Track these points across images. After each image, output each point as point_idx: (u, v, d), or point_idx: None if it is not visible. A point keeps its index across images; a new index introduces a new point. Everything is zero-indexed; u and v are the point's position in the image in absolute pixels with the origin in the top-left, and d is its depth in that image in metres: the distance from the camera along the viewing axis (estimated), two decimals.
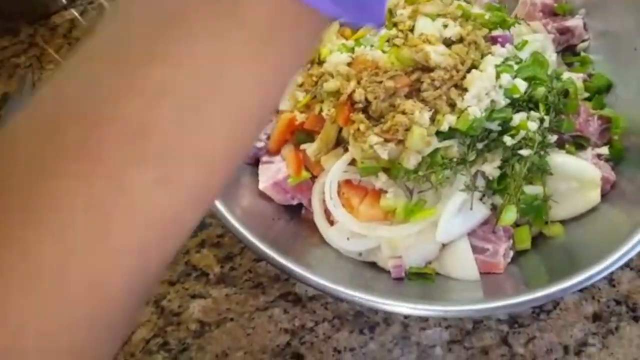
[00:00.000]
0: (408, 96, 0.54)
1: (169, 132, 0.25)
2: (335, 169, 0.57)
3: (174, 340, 0.69)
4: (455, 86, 0.53)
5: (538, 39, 0.60)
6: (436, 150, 0.53)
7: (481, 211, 0.56)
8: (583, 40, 0.65)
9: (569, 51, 0.66)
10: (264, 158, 0.64)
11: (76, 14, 0.93)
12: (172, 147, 0.25)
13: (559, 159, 0.57)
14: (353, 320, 0.67)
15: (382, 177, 0.56)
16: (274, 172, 0.62)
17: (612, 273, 0.63)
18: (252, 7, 0.25)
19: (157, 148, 0.25)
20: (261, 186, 0.62)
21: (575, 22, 0.64)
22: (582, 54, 0.66)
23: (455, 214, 0.55)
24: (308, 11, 0.26)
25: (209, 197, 0.29)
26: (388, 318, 0.67)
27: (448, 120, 0.52)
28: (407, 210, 0.55)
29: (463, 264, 0.56)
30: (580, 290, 0.64)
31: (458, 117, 0.52)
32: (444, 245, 0.57)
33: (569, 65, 0.65)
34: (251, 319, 0.68)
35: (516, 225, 0.58)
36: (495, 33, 0.57)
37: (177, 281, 0.72)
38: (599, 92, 0.62)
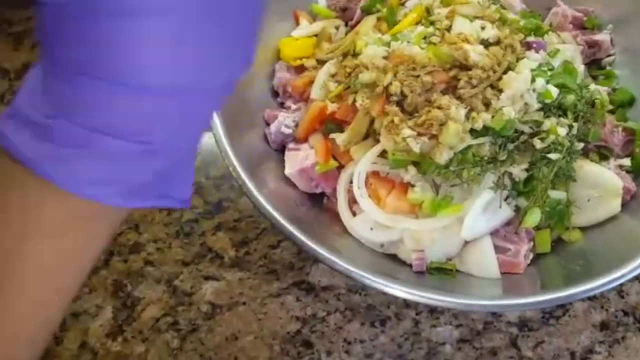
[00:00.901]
0: (444, 92, 0.55)
1: None
2: (366, 159, 0.58)
3: (184, 320, 0.68)
4: (491, 86, 0.54)
5: (569, 49, 0.61)
6: (468, 147, 0.54)
7: (506, 212, 0.57)
8: (609, 55, 0.67)
9: (594, 64, 0.68)
10: (291, 145, 0.64)
11: None
12: None
13: (584, 167, 0.58)
14: (365, 313, 0.67)
15: (412, 170, 0.56)
16: (302, 159, 0.62)
17: (621, 284, 0.65)
18: (44, 208, 0.27)
19: None
20: (287, 172, 0.62)
21: (602, 36, 0.66)
22: (608, 68, 0.67)
23: (481, 212, 0.56)
24: (100, 206, 0.28)
25: None
26: (399, 313, 0.67)
27: (483, 119, 0.53)
28: (434, 205, 0.56)
29: (485, 261, 0.57)
30: (590, 299, 0.66)
31: (492, 117, 0.53)
32: (466, 243, 0.58)
33: (594, 78, 0.67)
34: (263, 305, 0.68)
35: (537, 228, 0.59)
36: (530, 39, 0.58)
37: (192, 262, 0.71)
38: (622, 105, 0.64)
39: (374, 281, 0.52)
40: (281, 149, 0.66)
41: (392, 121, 0.56)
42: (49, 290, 0.30)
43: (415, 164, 0.56)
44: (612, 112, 0.64)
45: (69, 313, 0.67)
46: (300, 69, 0.68)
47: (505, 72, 0.55)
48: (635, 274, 0.52)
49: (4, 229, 0.28)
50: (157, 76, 0.26)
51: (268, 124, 0.66)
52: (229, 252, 0.70)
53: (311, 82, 0.65)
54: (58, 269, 0.30)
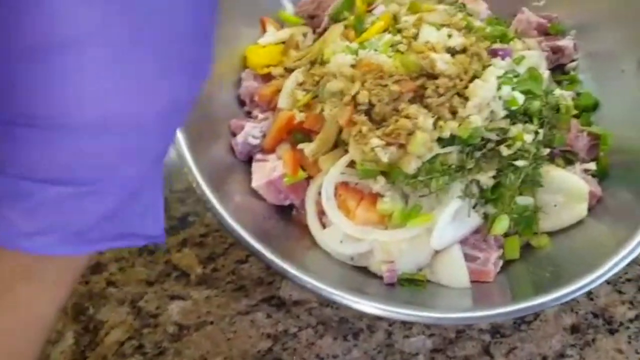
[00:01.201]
0: (412, 101, 0.54)
1: None
2: (334, 170, 0.57)
3: (149, 343, 0.65)
4: (458, 95, 0.54)
5: (534, 55, 0.62)
6: (436, 156, 0.54)
7: (475, 219, 0.56)
8: (572, 60, 0.68)
9: (559, 70, 0.69)
10: (258, 156, 0.63)
11: None
12: None
13: (550, 172, 0.58)
14: (337, 327, 0.66)
15: (381, 180, 0.55)
16: (269, 170, 0.61)
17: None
18: None
19: None
20: (254, 184, 0.61)
21: (566, 42, 0.67)
22: (571, 73, 0.68)
23: (450, 221, 0.56)
24: (47, 258, 0.26)
25: None
26: (372, 325, 0.66)
27: (450, 127, 0.52)
28: (403, 215, 0.55)
29: (454, 271, 0.57)
30: (560, 303, 0.67)
31: (459, 125, 0.53)
32: (436, 252, 0.57)
33: (559, 84, 0.67)
34: (232, 323, 0.66)
35: (505, 235, 0.59)
36: (495, 46, 0.58)
37: (156, 281, 0.68)
38: (586, 110, 0.64)
39: (343, 297, 0.50)
40: (248, 160, 0.64)
41: (360, 131, 0.55)
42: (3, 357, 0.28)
43: (384, 173, 0.56)
44: (576, 116, 0.64)
45: None
46: (268, 78, 0.66)
47: (471, 80, 0.55)
48: (603, 279, 0.52)
49: None
50: (75, 114, 0.24)
51: (234, 135, 0.64)
52: (195, 269, 0.68)
53: (278, 90, 0.64)
54: (10, 334, 0.28)
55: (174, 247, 0.68)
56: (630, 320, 0.64)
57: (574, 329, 0.64)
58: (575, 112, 0.63)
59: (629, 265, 0.67)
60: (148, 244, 0.32)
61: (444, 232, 0.55)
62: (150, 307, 0.67)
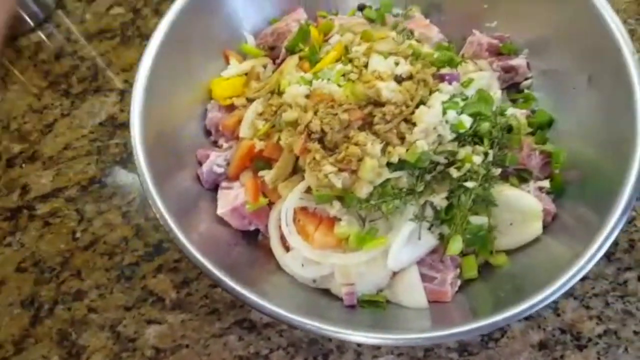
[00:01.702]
0: (361, 128, 0.56)
1: None
2: (292, 196, 0.59)
3: None
4: (405, 120, 0.56)
5: (484, 77, 0.64)
6: (387, 180, 0.56)
7: (429, 240, 0.58)
8: (526, 78, 0.69)
9: (513, 88, 0.70)
10: (223, 184, 0.66)
11: (43, 36, 0.94)
12: None
13: (504, 191, 0.59)
14: (307, 348, 0.68)
15: (336, 205, 0.57)
16: (233, 197, 0.63)
17: (556, 302, 0.66)
18: None
19: None
20: (219, 211, 0.63)
21: (519, 61, 0.68)
22: (526, 91, 0.69)
23: (405, 242, 0.57)
24: None
25: None
26: (341, 346, 0.68)
27: (398, 152, 0.54)
28: (359, 239, 0.57)
29: (412, 292, 0.58)
30: (527, 319, 0.66)
31: (407, 150, 0.55)
32: (394, 274, 0.59)
33: (514, 102, 0.69)
34: (206, 346, 0.68)
35: (463, 254, 0.61)
36: (443, 71, 0.60)
37: (133, 306, 0.71)
38: (541, 127, 0.65)
39: (303, 323, 0.52)
40: (214, 189, 0.67)
41: (314, 158, 0.57)
42: None
43: (340, 198, 0.58)
44: (532, 134, 0.65)
45: None
46: (231, 108, 0.69)
47: (418, 106, 0.56)
48: (562, 291, 0.53)
49: None
50: None
51: (200, 164, 0.67)
52: (170, 294, 0.70)
53: (241, 120, 0.66)
54: None
55: (150, 272, 0.71)
56: (599, 336, 0.64)
57: (542, 346, 0.65)
58: (530, 129, 0.65)
59: (594, 279, 0.68)
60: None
61: (400, 254, 0.57)
62: (129, 331, 0.69)
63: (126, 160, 0.79)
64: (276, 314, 0.53)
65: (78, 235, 0.75)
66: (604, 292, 0.67)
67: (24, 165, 0.79)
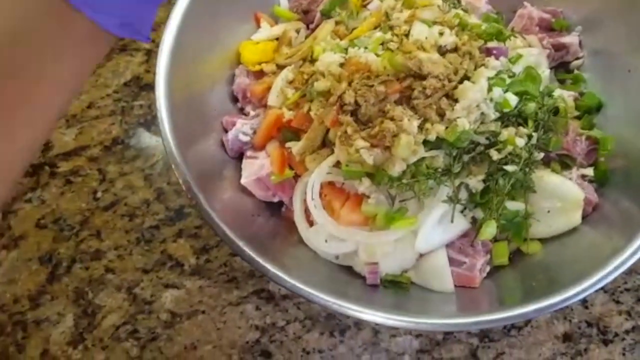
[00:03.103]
0: (398, 102, 0.53)
1: None
2: (319, 170, 0.56)
3: (143, 329, 0.67)
4: (447, 96, 0.52)
5: (533, 54, 0.59)
6: (422, 159, 0.52)
7: (461, 224, 0.55)
8: (577, 58, 0.64)
9: (562, 68, 0.66)
10: (249, 153, 0.63)
11: None
12: None
13: (544, 177, 0.56)
14: (324, 322, 0.66)
15: (366, 182, 0.55)
16: (258, 167, 0.60)
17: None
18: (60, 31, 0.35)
19: None
20: (243, 181, 0.61)
21: (571, 38, 0.63)
22: (576, 71, 0.64)
23: (436, 224, 0.54)
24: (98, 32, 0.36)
25: None
26: (359, 322, 0.66)
27: (436, 130, 0.51)
28: (387, 217, 0.54)
29: (439, 275, 0.56)
30: (550, 312, 0.63)
31: (446, 128, 0.51)
32: (421, 255, 0.56)
33: (561, 82, 0.64)
34: (223, 313, 0.67)
35: (495, 240, 0.58)
36: (490, 45, 0.56)
37: (152, 269, 0.70)
38: (589, 111, 0.61)
39: (322, 299, 0.50)
40: (239, 157, 0.64)
41: (346, 132, 0.54)
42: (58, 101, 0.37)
43: (370, 175, 0.55)
44: (578, 117, 0.61)
45: (31, 320, 0.68)
46: (260, 74, 0.66)
47: (461, 81, 0.53)
48: (595, 288, 0.50)
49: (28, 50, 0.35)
50: None
51: (226, 131, 0.64)
52: (189, 260, 0.69)
53: (270, 88, 0.63)
54: (66, 86, 0.38)
55: (170, 237, 0.69)
56: (627, 332, 0.62)
57: (566, 338, 0.62)
58: (577, 113, 0.61)
59: (627, 274, 0.64)
60: (141, 41, 0.40)
61: (429, 235, 0.54)
62: (146, 294, 0.68)
63: (150, 122, 0.76)
64: (296, 288, 0.51)
65: (99, 195, 0.73)
66: (636, 287, 0.63)
67: None
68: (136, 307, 0.67)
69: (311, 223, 0.60)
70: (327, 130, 0.58)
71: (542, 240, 0.58)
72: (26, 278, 0.71)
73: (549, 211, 0.56)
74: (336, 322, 0.65)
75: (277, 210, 0.64)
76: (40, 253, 0.72)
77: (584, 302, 0.63)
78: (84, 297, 0.69)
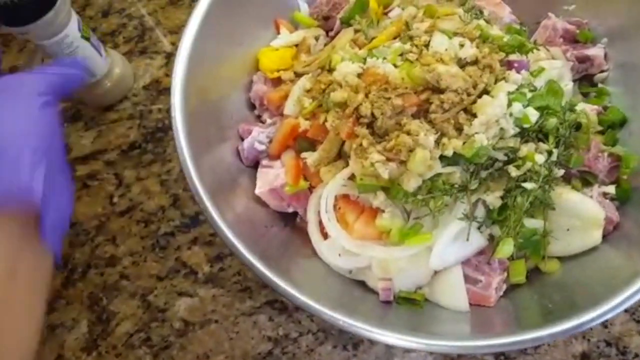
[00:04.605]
0: (415, 116, 0.52)
1: None
2: (334, 183, 0.55)
3: (157, 337, 0.67)
4: (465, 110, 0.51)
5: (556, 66, 0.57)
6: (438, 175, 0.52)
7: (478, 241, 0.54)
8: (602, 71, 0.62)
9: (586, 81, 0.63)
10: (264, 162, 0.62)
11: None
12: None
13: (563, 195, 0.54)
14: (337, 335, 0.65)
15: (381, 196, 0.54)
16: (272, 177, 0.60)
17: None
18: None
19: None
20: (257, 191, 0.60)
21: (596, 51, 0.61)
22: (600, 85, 0.62)
23: (451, 241, 0.53)
24: None
25: None
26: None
27: (453, 146, 0.50)
28: (402, 233, 0.53)
29: (454, 293, 0.55)
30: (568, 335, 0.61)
31: (464, 143, 0.50)
32: (436, 272, 0.55)
33: (585, 95, 0.63)
34: (235, 323, 0.67)
35: (512, 258, 0.56)
36: (512, 57, 0.55)
37: (166, 277, 0.70)
38: (612, 126, 0.59)
39: (334, 317, 0.48)
40: (255, 166, 0.63)
41: (361, 144, 0.53)
42: None
43: (385, 189, 0.54)
44: (602, 132, 0.59)
45: (46, 325, 0.67)
46: (278, 81, 0.65)
47: (480, 95, 0.51)
48: (618, 311, 0.48)
49: None
50: None
51: (242, 139, 0.63)
52: (203, 268, 0.68)
53: (287, 96, 0.62)
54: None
55: (185, 244, 0.69)
56: None
57: (584, 357, 0.60)
58: (599, 127, 0.59)
59: None
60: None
61: (444, 252, 0.53)
62: (159, 301, 0.68)
63: (168, 127, 0.76)
64: (307, 305, 0.49)
65: (115, 200, 0.73)
66: None
67: (66, 124, 0.78)
68: (150, 315, 0.67)
69: (325, 235, 0.59)
70: (343, 142, 0.57)
71: (561, 259, 0.56)
72: None
73: (568, 229, 0.55)
74: (349, 335, 0.64)
75: (291, 220, 0.64)
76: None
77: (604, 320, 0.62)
78: (99, 304, 0.69)
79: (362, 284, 0.58)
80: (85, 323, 0.68)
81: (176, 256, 0.69)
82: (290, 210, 0.62)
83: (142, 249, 0.70)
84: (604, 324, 0.62)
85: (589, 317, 0.48)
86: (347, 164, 0.56)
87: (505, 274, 0.56)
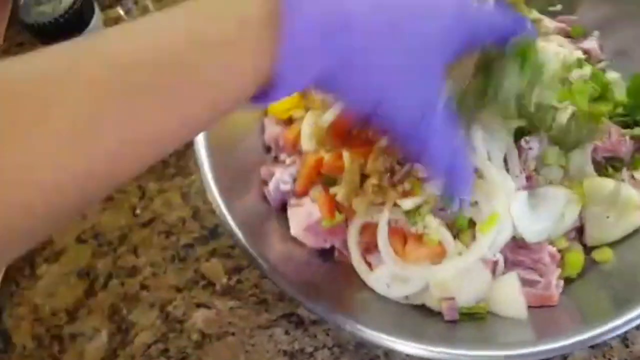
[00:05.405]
0: None
1: None
2: (385, 214, 0.54)
3: (174, 348, 0.59)
4: None
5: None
6: None
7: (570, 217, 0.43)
8: (600, 61, 0.52)
9: None
10: (292, 201, 0.43)
11: (122, 12, 0.94)
12: None
13: (595, 183, 0.43)
14: (354, 351, 0.56)
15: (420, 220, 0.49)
16: (305, 215, 0.42)
17: (626, 332, 0.57)
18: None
19: None
20: (293, 232, 0.41)
21: (590, 43, 0.51)
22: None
23: (527, 208, 0.41)
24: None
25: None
26: (389, 352, 0.49)
27: None
28: (463, 223, 0.40)
29: (512, 301, 0.44)
30: (592, 347, 0.59)
31: None
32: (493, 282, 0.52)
33: None
34: (252, 336, 0.59)
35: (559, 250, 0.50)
36: None
37: (185, 288, 0.61)
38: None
39: (405, 345, 0.38)
40: (282, 208, 0.46)
41: (378, 185, 0.51)
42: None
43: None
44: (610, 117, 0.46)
45: (67, 334, 0.68)
46: (290, 121, 0.49)
47: None
48: None
49: None
50: None
51: (266, 183, 0.46)
52: (221, 279, 0.49)
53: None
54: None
55: (203, 256, 0.51)
56: None
57: None
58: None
59: None
60: None
61: (526, 222, 0.42)
62: (178, 312, 0.61)
63: (189, 142, 0.77)
64: (377, 337, 0.37)
65: (138, 211, 0.63)
66: None
67: None
68: (168, 326, 0.61)
69: (370, 265, 0.44)
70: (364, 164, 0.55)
71: (610, 246, 0.42)
72: (65, 292, 0.59)
73: (607, 217, 0.53)
74: (365, 351, 0.57)
75: (328, 256, 0.44)
76: (78, 267, 0.56)
77: (624, 339, 0.57)
78: (119, 314, 0.63)
79: (421, 307, 0.58)
80: (105, 333, 0.62)
81: (195, 267, 0.46)
82: (328, 245, 0.40)
83: (162, 260, 0.56)
84: (625, 343, 0.56)
85: None
86: None
87: (559, 269, 0.40)
